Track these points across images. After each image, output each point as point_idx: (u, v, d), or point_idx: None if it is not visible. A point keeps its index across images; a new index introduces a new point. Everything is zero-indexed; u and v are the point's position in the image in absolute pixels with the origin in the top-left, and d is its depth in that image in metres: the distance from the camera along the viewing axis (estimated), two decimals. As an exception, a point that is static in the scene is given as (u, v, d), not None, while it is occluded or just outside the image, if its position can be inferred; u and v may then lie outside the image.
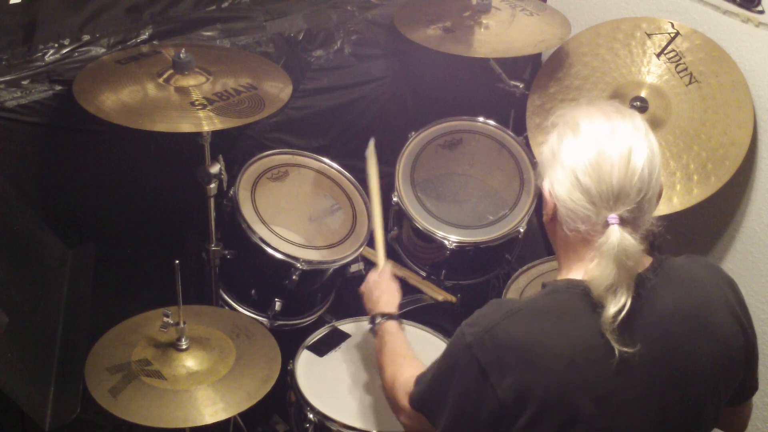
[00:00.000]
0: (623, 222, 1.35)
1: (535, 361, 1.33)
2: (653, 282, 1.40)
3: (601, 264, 1.33)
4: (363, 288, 2.03)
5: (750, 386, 1.55)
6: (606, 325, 1.33)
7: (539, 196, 2.46)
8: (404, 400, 1.56)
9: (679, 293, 1.42)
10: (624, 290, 1.33)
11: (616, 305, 1.32)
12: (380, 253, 2.10)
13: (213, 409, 1.81)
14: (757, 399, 2.41)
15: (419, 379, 1.52)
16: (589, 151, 1.37)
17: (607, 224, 1.35)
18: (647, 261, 1.43)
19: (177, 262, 1.81)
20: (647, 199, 1.37)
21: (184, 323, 1.89)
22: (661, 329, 1.38)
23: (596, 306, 1.34)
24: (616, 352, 1.32)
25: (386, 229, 2.54)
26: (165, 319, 1.85)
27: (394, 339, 1.80)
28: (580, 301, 1.36)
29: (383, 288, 1.97)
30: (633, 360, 1.33)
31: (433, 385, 1.47)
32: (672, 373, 1.38)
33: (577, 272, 1.42)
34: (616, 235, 1.33)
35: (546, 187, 1.44)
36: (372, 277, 2.03)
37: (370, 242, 2.42)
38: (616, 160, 1.35)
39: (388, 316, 1.87)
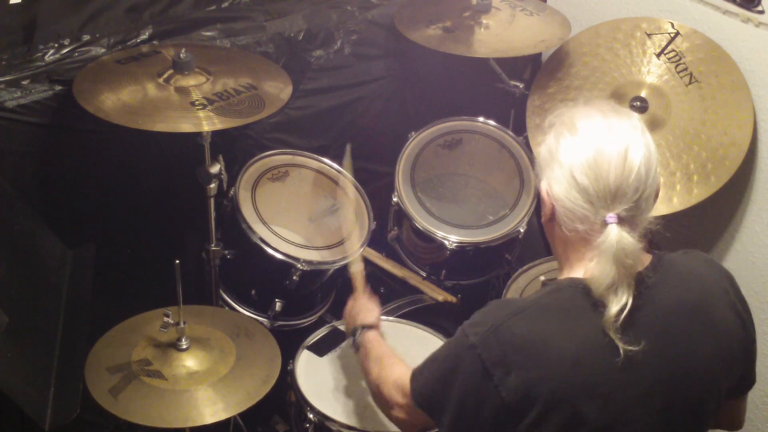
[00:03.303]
0: (621, 221, 1.35)
1: (541, 359, 1.33)
2: (653, 279, 1.40)
3: (600, 263, 1.34)
4: (344, 315, 2.03)
5: (748, 381, 1.55)
6: (609, 324, 1.33)
7: (538, 197, 2.46)
8: (397, 396, 1.56)
9: (680, 289, 1.42)
10: (625, 289, 1.33)
11: (618, 304, 1.33)
12: (359, 283, 2.10)
13: (213, 409, 1.81)
14: (757, 399, 2.43)
15: (416, 376, 1.51)
16: (586, 149, 1.37)
17: (605, 223, 1.35)
18: (646, 259, 1.43)
19: (177, 262, 1.81)
20: (644, 198, 1.37)
21: (185, 323, 1.89)
22: (663, 326, 1.38)
23: (598, 304, 1.35)
24: (621, 350, 1.33)
25: (386, 231, 2.54)
26: (165, 319, 1.85)
27: (376, 345, 1.81)
28: (582, 300, 1.37)
29: (360, 307, 1.98)
30: (637, 358, 1.34)
31: (435, 386, 1.46)
32: (675, 369, 1.38)
33: (577, 271, 1.42)
34: (615, 234, 1.33)
35: (543, 187, 1.44)
36: (349, 305, 2.03)
37: (370, 243, 2.42)
38: (613, 159, 1.35)
39: (368, 327, 1.88)
